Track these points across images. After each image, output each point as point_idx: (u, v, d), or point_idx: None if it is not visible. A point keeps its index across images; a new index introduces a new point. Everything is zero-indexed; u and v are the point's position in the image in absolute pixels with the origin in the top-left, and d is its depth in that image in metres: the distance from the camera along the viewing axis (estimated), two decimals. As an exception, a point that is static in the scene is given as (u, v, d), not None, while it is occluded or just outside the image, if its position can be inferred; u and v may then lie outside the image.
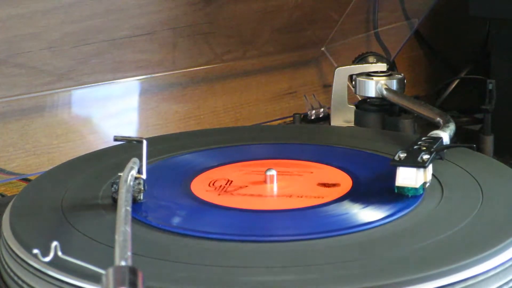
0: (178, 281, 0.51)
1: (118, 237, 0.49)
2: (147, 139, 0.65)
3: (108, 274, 0.44)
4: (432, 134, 0.73)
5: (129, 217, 0.53)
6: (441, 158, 0.70)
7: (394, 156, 0.65)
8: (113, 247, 0.48)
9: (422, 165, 0.64)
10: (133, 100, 1.03)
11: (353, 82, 0.94)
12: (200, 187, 0.69)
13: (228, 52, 1.08)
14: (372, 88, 0.92)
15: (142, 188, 0.64)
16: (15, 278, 0.57)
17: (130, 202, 0.56)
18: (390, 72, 0.94)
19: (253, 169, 0.73)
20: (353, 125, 0.94)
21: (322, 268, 0.53)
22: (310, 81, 1.18)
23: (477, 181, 0.68)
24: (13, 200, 0.67)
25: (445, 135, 0.73)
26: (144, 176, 0.64)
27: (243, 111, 1.12)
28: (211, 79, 1.08)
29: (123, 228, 0.51)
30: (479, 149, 0.86)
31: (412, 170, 0.63)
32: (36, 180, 0.73)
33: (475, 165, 0.71)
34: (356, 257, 0.55)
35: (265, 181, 0.69)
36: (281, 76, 1.15)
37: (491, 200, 0.63)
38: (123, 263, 0.46)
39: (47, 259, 0.48)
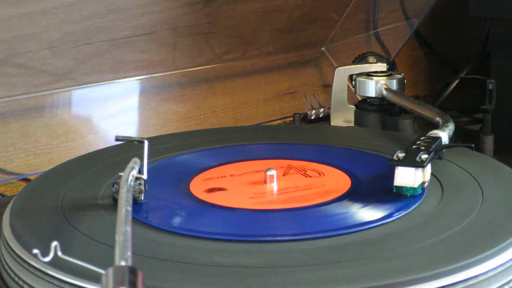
0: (177, 281, 0.51)
1: (118, 237, 0.50)
2: (147, 139, 0.65)
3: (108, 274, 0.44)
4: (431, 134, 0.73)
5: (130, 217, 0.53)
6: (440, 158, 0.70)
7: (393, 155, 0.65)
8: (113, 247, 0.49)
9: (421, 164, 0.64)
10: (133, 100, 1.03)
11: (353, 82, 0.94)
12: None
13: (228, 52, 1.08)
14: (372, 88, 0.92)
15: (143, 189, 0.64)
16: (15, 278, 0.57)
17: (130, 202, 0.56)
18: (390, 72, 0.94)
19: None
20: (353, 125, 0.94)
21: (321, 268, 0.53)
22: (310, 81, 1.18)
23: (477, 181, 0.68)
24: (13, 200, 0.67)
25: (444, 135, 0.73)
26: (145, 176, 0.64)
27: (243, 111, 1.12)
28: (211, 79, 1.08)
29: (124, 228, 0.51)
30: (479, 149, 0.86)
31: (411, 170, 0.63)
32: (36, 180, 0.73)
33: (475, 165, 0.71)
34: (356, 257, 0.55)
35: (265, 181, 0.69)
36: (281, 76, 1.15)
37: (491, 200, 0.63)
38: (123, 263, 0.46)
39: (47, 259, 0.48)
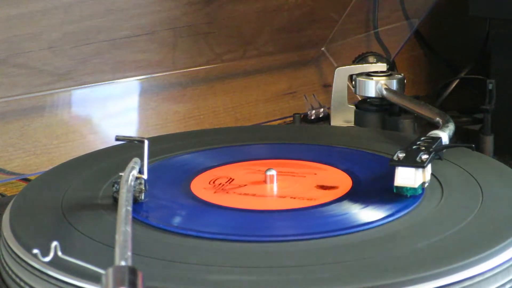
0: (177, 281, 0.51)
1: (119, 237, 0.50)
2: (148, 139, 0.65)
3: (108, 274, 0.44)
4: (431, 134, 0.73)
5: (130, 217, 0.53)
6: (440, 158, 0.70)
7: (393, 156, 0.65)
8: (113, 247, 0.49)
9: (421, 165, 0.64)
10: (133, 100, 1.03)
11: (353, 82, 0.94)
12: (200, 187, 0.69)
13: (228, 52, 1.08)
14: (372, 88, 0.92)
15: (143, 188, 0.64)
16: (15, 278, 0.57)
17: (131, 202, 0.56)
18: (390, 72, 0.94)
19: (253, 169, 0.73)
20: (353, 125, 0.94)
21: (321, 268, 0.53)
22: (310, 81, 1.18)
23: (477, 181, 0.68)
24: (13, 200, 0.67)
25: (444, 135, 0.73)
26: (145, 176, 0.64)
27: (243, 111, 1.12)
28: (211, 79, 1.08)
29: (124, 228, 0.51)
30: (479, 149, 0.86)
31: (411, 170, 0.63)
32: (36, 180, 0.73)
33: (475, 165, 0.71)
34: (356, 257, 0.55)
35: (265, 181, 0.69)
36: (281, 76, 1.15)
37: (491, 200, 0.63)
38: (123, 263, 0.46)
39: (47, 259, 0.48)
